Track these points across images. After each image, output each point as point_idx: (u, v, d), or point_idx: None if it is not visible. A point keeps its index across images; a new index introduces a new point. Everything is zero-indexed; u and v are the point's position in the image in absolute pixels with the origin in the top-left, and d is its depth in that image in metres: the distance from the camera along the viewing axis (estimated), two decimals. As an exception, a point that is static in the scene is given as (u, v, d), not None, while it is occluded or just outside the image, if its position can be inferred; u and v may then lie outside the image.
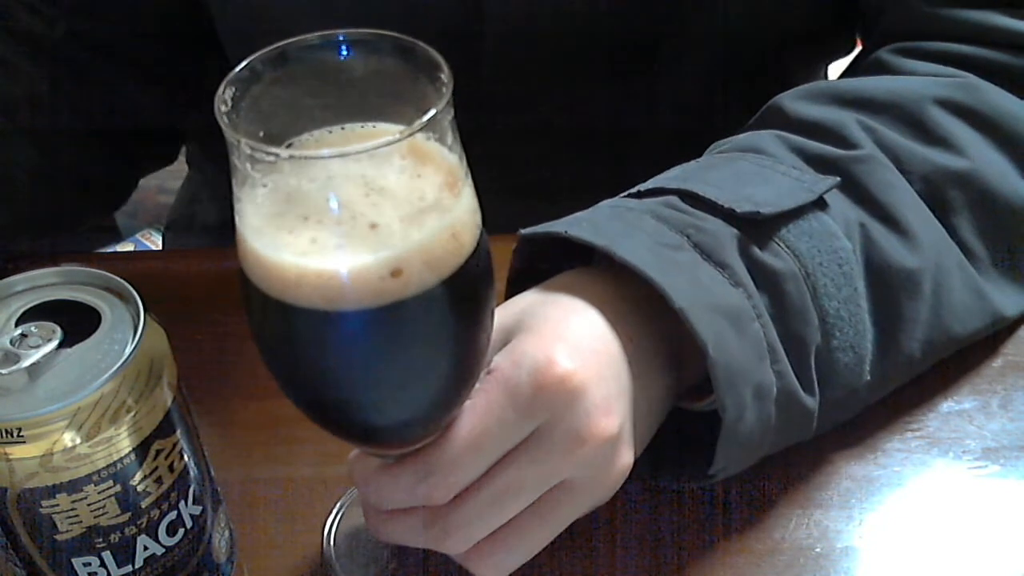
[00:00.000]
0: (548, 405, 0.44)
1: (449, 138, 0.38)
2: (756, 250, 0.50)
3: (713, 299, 0.47)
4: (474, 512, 0.45)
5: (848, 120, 0.55)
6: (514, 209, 0.54)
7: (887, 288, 0.52)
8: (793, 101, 0.58)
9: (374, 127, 0.39)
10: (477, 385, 0.45)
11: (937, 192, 0.55)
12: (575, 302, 0.48)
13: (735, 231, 0.50)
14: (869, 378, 0.52)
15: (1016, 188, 0.56)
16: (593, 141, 0.76)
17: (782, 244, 0.50)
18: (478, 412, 0.44)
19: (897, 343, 0.53)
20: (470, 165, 0.40)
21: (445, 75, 0.37)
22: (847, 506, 0.53)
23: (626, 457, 0.47)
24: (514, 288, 0.51)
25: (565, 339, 0.45)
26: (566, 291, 0.49)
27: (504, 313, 0.48)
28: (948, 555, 0.51)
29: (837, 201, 0.53)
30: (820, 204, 0.52)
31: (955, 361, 0.58)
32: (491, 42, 0.69)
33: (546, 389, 0.44)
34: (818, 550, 0.51)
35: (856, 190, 0.53)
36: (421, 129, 0.36)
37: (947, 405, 0.57)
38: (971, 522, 0.52)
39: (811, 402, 0.50)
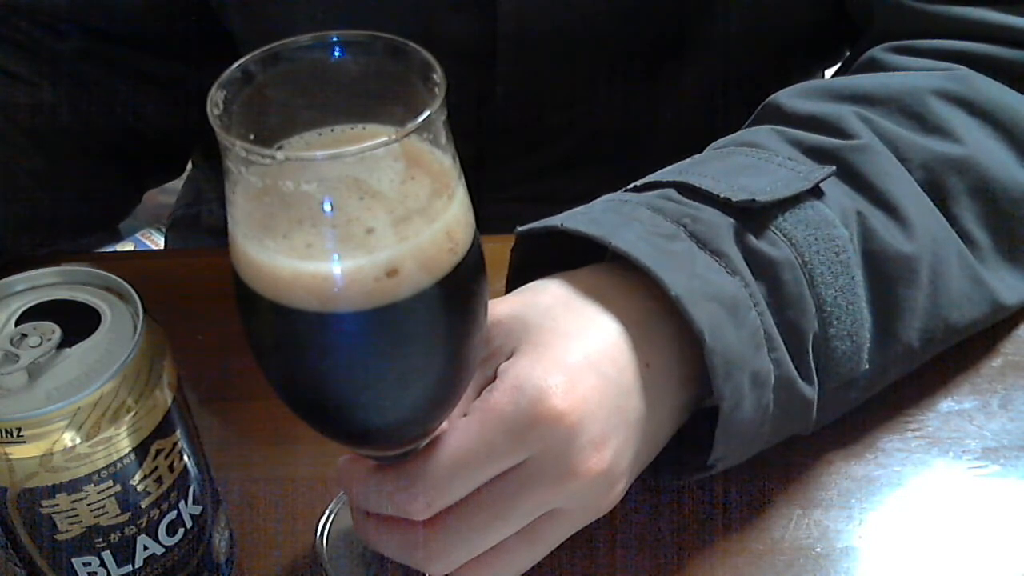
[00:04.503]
0: (541, 438, 0.44)
1: (443, 139, 0.38)
2: (752, 239, 0.50)
3: (710, 288, 0.47)
4: (459, 536, 0.44)
5: (846, 112, 0.55)
6: (526, 216, 0.54)
7: (884, 276, 0.52)
8: (790, 98, 0.58)
9: (364, 128, 0.39)
10: (475, 402, 0.44)
11: (937, 180, 0.55)
12: (599, 313, 0.48)
13: (731, 220, 0.50)
14: (867, 367, 0.52)
15: (1015, 176, 0.56)
16: (600, 146, 0.76)
17: (778, 233, 0.50)
18: (469, 432, 0.44)
19: (895, 332, 0.53)
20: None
21: (438, 76, 0.37)
22: (847, 506, 0.53)
23: (618, 487, 0.47)
24: (513, 288, 0.51)
25: (571, 366, 0.45)
26: (593, 295, 0.48)
27: (523, 303, 0.48)
28: (948, 555, 0.51)
29: (834, 190, 0.52)
30: (816, 193, 0.52)
31: (955, 360, 0.58)
32: (503, 58, 0.70)
33: (541, 423, 0.43)
34: (818, 550, 0.51)
35: (854, 178, 0.53)
36: (415, 130, 0.36)
37: (947, 405, 0.57)
38: (971, 522, 0.52)
39: (809, 391, 0.50)
